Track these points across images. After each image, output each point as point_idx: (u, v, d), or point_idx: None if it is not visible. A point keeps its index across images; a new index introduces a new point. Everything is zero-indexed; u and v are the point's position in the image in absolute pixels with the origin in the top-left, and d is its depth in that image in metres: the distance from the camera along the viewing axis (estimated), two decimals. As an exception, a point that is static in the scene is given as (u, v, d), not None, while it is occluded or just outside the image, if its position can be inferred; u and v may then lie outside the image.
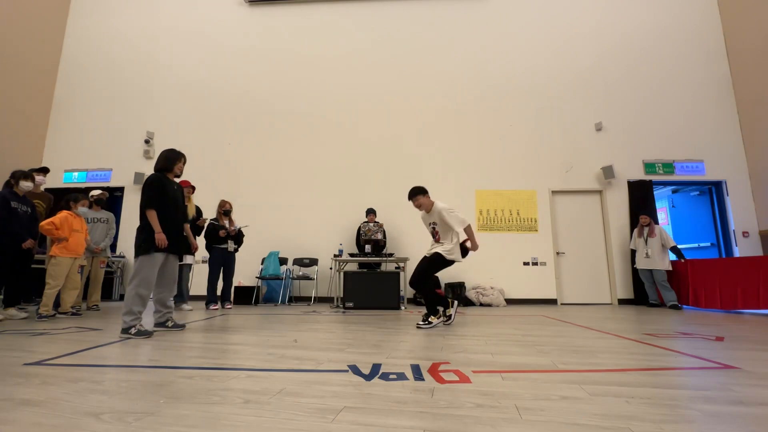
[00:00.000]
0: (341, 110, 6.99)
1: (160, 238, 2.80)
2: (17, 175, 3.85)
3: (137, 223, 2.90)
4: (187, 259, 4.69)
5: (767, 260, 4.42)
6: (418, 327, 3.21)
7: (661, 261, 5.42)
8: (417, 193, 3.42)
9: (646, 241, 5.54)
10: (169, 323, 3.00)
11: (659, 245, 5.46)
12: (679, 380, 1.63)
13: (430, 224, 3.50)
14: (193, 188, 4.84)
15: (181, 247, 3.12)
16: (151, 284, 2.83)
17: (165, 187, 2.94)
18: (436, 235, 3.45)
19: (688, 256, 5.71)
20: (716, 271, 4.90)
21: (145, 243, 2.80)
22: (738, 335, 2.88)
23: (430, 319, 3.26)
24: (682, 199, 7.23)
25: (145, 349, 2.23)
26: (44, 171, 4.59)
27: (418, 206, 3.45)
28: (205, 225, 4.90)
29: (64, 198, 4.07)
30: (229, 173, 6.87)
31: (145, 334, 2.67)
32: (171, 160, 3.03)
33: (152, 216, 2.83)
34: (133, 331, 2.66)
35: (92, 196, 4.62)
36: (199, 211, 4.86)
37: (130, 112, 7.29)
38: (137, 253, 2.81)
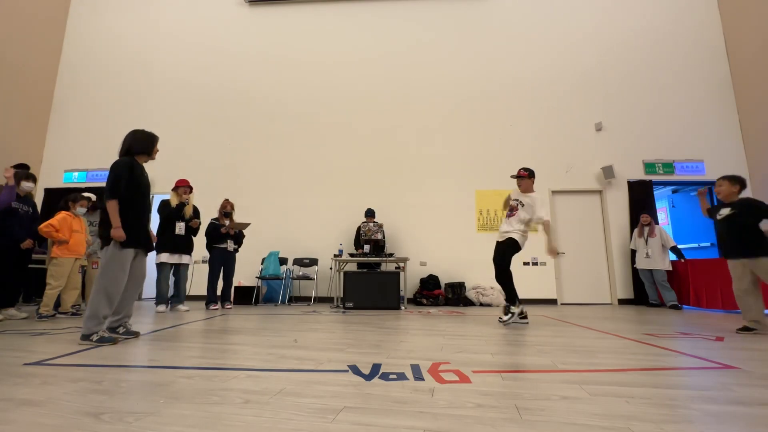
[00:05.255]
0: (341, 110, 6.99)
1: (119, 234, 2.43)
2: (19, 176, 3.84)
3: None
4: (184, 259, 4.66)
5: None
6: (500, 321, 3.31)
7: (661, 261, 5.42)
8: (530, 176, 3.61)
9: (646, 241, 5.53)
10: (121, 329, 2.55)
11: (659, 245, 5.46)
12: (679, 380, 1.63)
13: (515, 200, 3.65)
14: (191, 188, 4.80)
15: (149, 242, 2.73)
16: (122, 284, 2.44)
17: (134, 171, 2.56)
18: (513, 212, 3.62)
19: (688, 256, 5.70)
20: (716, 271, 4.89)
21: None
22: (738, 335, 2.88)
23: (512, 309, 3.31)
24: (682, 199, 7.23)
25: (145, 349, 2.23)
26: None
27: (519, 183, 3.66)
28: (197, 227, 4.77)
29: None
30: (229, 173, 6.86)
31: (109, 341, 2.31)
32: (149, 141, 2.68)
33: (113, 207, 2.43)
34: (94, 338, 2.31)
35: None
36: (196, 212, 4.77)
37: (130, 112, 7.29)
38: (103, 245, 2.45)
